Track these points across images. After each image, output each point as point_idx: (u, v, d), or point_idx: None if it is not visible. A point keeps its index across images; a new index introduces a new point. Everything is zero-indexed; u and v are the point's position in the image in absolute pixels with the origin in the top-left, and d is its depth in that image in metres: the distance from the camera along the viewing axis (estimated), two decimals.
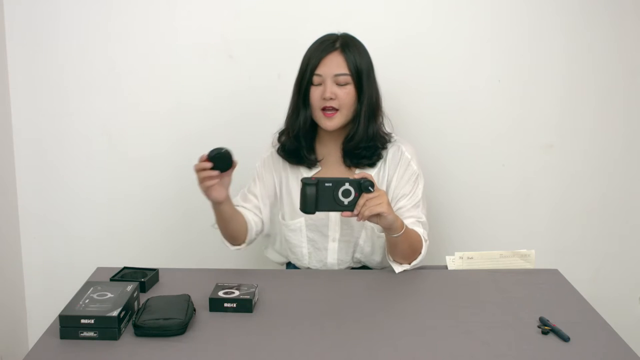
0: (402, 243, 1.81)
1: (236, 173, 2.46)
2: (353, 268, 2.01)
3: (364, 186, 1.67)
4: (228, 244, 1.95)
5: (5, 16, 2.37)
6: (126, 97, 2.44)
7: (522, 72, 2.42)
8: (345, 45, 1.89)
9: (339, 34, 1.93)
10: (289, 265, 2.10)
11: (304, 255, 1.99)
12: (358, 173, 1.71)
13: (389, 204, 1.71)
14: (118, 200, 2.51)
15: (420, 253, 1.86)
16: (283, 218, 2.01)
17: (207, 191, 1.79)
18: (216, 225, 1.94)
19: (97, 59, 2.41)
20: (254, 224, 1.97)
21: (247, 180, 2.39)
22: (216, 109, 2.44)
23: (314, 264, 1.99)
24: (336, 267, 1.98)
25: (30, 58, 2.40)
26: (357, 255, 1.98)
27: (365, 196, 1.67)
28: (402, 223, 1.78)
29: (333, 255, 1.97)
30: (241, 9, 2.37)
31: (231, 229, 1.92)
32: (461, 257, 1.93)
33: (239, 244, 1.95)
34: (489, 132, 2.47)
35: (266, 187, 1.99)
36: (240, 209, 1.96)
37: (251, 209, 1.98)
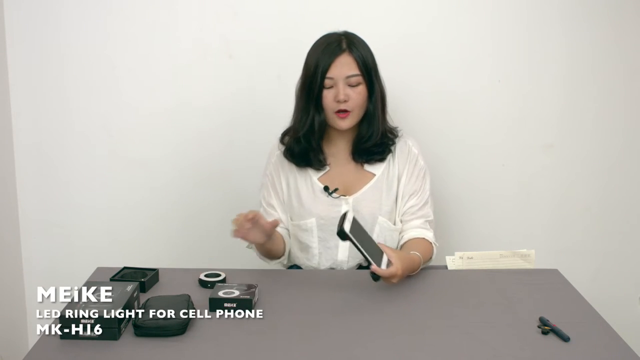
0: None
1: (237, 174, 2.49)
2: (361, 266, 2.01)
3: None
4: (267, 260, 1.99)
5: (5, 16, 2.37)
6: (126, 97, 2.44)
7: (523, 72, 2.42)
8: (351, 44, 1.90)
9: (340, 32, 1.93)
10: (292, 267, 2.09)
11: (315, 256, 1.99)
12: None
13: (400, 276, 1.71)
14: (118, 200, 2.51)
15: (430, 259, 1.94)
16: (291, 219, 2.01)
17: (244, 238, 1.78)
18: (252, 246, 1.95)
19: (97, 59, 2.40)
20: (286, 238, 2.01)
21: (249, 181, 2.40)
22: (216, 109, 2.44)
23: (324, 263, 1.99)
24: (345, 266, 1.98)
25: (30, 58, 2.40)
26: None
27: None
28: (419, 264, 1.83)
29: (344, 252, 1.97)
30: (241, 9, 2.37)
31: (273, 253, 1.95)
32: (461, 257, 1.93)
33: (278, 259, 1.99)
34: (489, 132, 2.46)
35: (279, 194, 2.00)
36: None
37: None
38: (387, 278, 1.67)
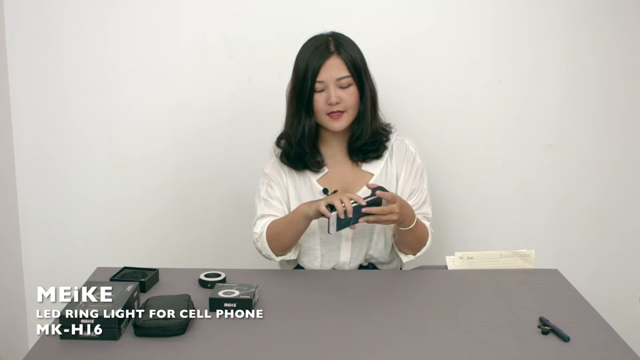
0: (410, 235, 1.90)
1: (237, 174, 2.48)
2: (361, 266, 2.01)
3: (378, 203, 1.78)
4: (275, 257, 1.94)
5: (5, 16, 2.37)
6: (126, 97, 2.43)
7: (523, 72, 2.42)
8: (339, 46, 1.89)
9: (327, 33, 1.93)
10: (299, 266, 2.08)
11: (317, 258, 1.99)
12: (371, 185, 1.84)
13: (400, 212, 1.80)
14: (118, 200, 2.51)
15: (425, 244, 1.95)
16: None
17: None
18: (263, 239, 1.92)
19: (97, 59, 2.40)
20: None
21: (249, 181, 2.40)
22: (216, 109, 2.44)
23: (326, 265, 1.99)
24: (347, 266, 1.98)
25: (30, 58, 2.40)
26: (371, 252, 1.98)
27: (379, 209, 1.78)
28: (413, 217, 1.87)
29: (346, 254, 1.97)
30: (241, 9, 2.37)
31: (297, 239, 1.93)
32: (461, 257, 1.93)
33: (287, 253, 1.95)
34: (489, 133, 2.46)
35: (282, 191, 1.99)
36: (273, 218, 1.95)
37: (282, 215, 1.97)
38: (387, 210, 1.77)
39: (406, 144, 1.99)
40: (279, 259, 1.94)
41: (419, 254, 1.95)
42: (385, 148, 1.98)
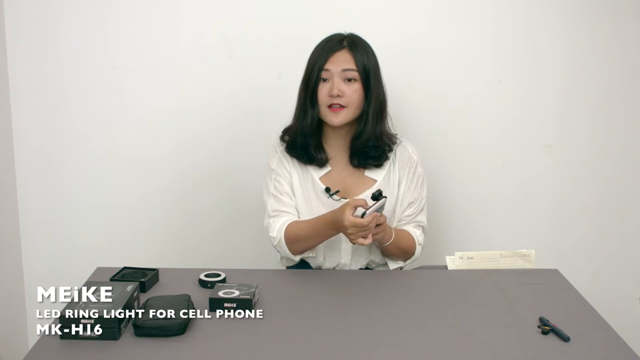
0: (390, 250, 1.92)
1: (237, 174, 2.49)
2: (361, 269, 2.01)
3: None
4: (294, 257, 1.95)
5: (5, 16, 2.37)
6: (126, 97, 2.43)
7: (523, 73, 2.42)
8: (352, 44, 1.91)
9: (345, 33, 1.94)
10: (300, 265, 2.08)
11: (318, 257, 1.99)
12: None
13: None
14: (118, 200, 2.51)
15: (413, 254, 1.96)
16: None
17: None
18: (282, 243, 1.92)
19: (97, 59, 2.40)
20: None
21: (249, 181, 2.41)
22: (216, 109, 2.43)
23: (327, 265, 1.99)
24: (348, 268, 1.98)
25: (30, 58, 2.40)
26: (372, 257, 1.99)
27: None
28: (390, 235, 1.88)
29: (347, 256, 1.98)
30: (241, 9, 2.37)
31: (321, 243, 1.94)
32: (461, 257, 1.93)
33: (307, 252, 1.97)
34: (489, 133, 2.46)
35: (289, 184, 1.99)
36: (289, 215, 1.95)
37: (294, 212, 1.97)
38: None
39: (409, 151, 1.99)
40: (298, 258, 1.96)
41: (407, 262, 1.98)
42: (387, 158, 1.97)
